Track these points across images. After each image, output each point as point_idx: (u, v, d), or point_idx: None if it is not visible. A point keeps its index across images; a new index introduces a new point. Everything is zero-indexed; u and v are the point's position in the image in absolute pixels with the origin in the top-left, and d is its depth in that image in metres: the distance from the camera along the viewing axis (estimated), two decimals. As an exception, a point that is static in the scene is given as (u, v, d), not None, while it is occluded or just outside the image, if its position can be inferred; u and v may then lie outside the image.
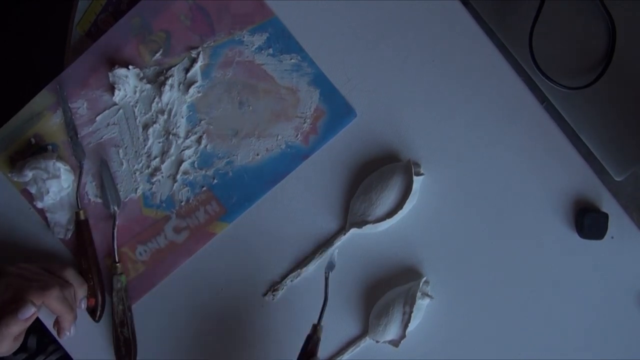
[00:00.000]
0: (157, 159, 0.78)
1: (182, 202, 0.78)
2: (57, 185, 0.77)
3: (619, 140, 0.77)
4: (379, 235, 0.76)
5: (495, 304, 0.75)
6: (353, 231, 0.75)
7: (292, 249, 0.77)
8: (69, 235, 0.79)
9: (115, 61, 0.77)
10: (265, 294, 0.77)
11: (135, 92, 0.78)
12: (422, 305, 0.74)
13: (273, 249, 0.77)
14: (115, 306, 0.78)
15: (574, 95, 0.77)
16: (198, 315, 0.78)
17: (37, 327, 0.79)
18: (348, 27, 0.76)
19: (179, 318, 0.78)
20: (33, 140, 0.79)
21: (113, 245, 0.78)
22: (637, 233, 0.74)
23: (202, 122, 0.78)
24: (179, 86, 0.78)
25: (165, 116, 0.78)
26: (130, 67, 0.76)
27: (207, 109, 0.78)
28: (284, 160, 0.77)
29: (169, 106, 0.78)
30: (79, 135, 0.79)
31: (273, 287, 0.77)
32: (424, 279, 0.74)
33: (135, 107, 0.78)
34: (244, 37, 0.77)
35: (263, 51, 0.77)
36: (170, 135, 0.78)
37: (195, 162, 0.78)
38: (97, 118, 0.79)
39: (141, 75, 0.77)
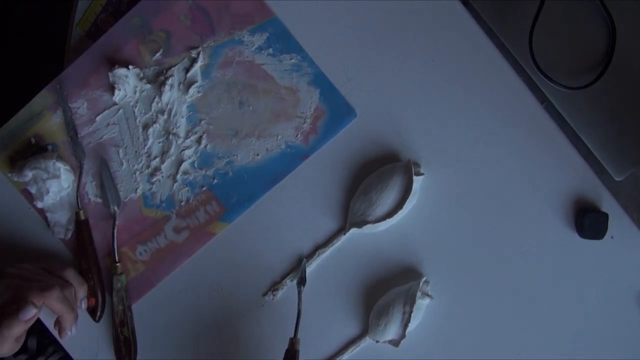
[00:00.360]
0: (157, 159, 0.78)
1: (182, 202, 0.78)
2: (57, 185, 0.77)
3: (619, 140, 0.77)
4: (379, 235, 0.76)
5: (495, 304, 0.75)
6: (353, 231, 0.75)
7: (292, 249, 0.77)
8: (69, 235, 0.79)
9: (115, 61, 0.77)
10: (265, 294, 0.77)
11: (135, 92, 0.78)
12: (422, 305, 0.74)
13: (273, 249, 0.77)
14: (115, 306, 0.77)
15: (574, 95, 0.77)
16: (198, 315, 0.78)
17: (37, 328, 0.79)
18: (348, 27, 0.76)
19: (179, 318, 0.78)
20: (33, 140, 0.79)
21: (113, 245, 0.78)
22: (637, 233, 0.74)
23: (202, 122, 0.78)
24: (179, 86, 0.78)
25: (165, 116, 0.78)
26: (130, 67, 0.76)
27: (207, 109, 0.78)
28: (284, 160, 0.77)
29: (169, 106, 0.78)
30: (79, 135, 0.79)
31: (273, 287, 0.77)
32: (424, 279, 0.74)
33: (135, 107, 0.78)
34: (244, 37, 0.77)
35: (263, 51, 0.77)
36: (170, 135, 0.78)
37: (195, 162, 0.78)
38: (97, 118, 0.79)
39: (141, 75, 0.77)
